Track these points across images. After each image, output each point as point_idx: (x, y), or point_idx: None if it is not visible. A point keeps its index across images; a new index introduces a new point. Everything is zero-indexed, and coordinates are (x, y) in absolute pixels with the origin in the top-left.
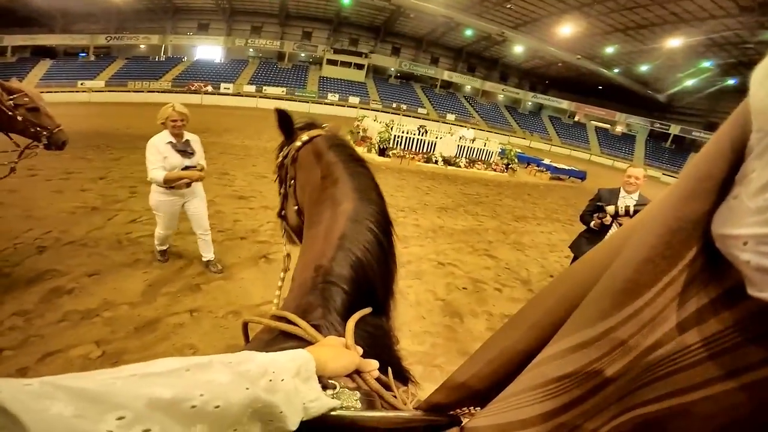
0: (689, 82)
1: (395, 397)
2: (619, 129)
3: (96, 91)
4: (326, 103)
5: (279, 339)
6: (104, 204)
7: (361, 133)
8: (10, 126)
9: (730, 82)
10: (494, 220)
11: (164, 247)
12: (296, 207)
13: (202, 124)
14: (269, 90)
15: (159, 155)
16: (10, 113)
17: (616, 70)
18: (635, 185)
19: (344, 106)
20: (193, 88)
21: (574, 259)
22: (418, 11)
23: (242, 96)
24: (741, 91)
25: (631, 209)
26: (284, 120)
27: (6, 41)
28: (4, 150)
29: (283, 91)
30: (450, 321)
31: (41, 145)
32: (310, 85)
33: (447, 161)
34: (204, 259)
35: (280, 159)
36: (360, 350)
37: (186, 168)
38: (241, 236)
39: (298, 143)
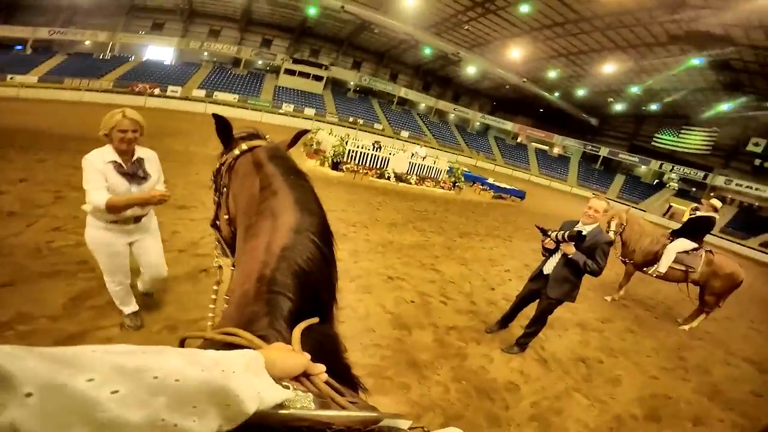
0: (618, 107)
1: (347, 400)
2: (556, 151)
3: (27, 87)
4: (280, 113)
5: (223, 348)
6: (23, 209)
7: (314, 146)
8: None
9: (653, 107)
10: (440, 236)
11: (130, 308)
12: (227, 216)
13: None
14: (220, 96)
15: (100, 175)
16: None
17: (556, 94)
18: (592, 217)
19: (299, 117)
20: (137, 89)
21: (533, 279)
22: (384, 27)
23: (190, 100)
24: (663, 116)
25: (562, 236)
26: (222, 126)
27: None
28: None
29: (235, 98)
30: (399, 333)
31: None
32: (265, 94)
33: (399, 177)
34: (140, 289)
35: (217, 166)
36: (307, 355)
37: None
38: (179, 248)
39: (237, 152)
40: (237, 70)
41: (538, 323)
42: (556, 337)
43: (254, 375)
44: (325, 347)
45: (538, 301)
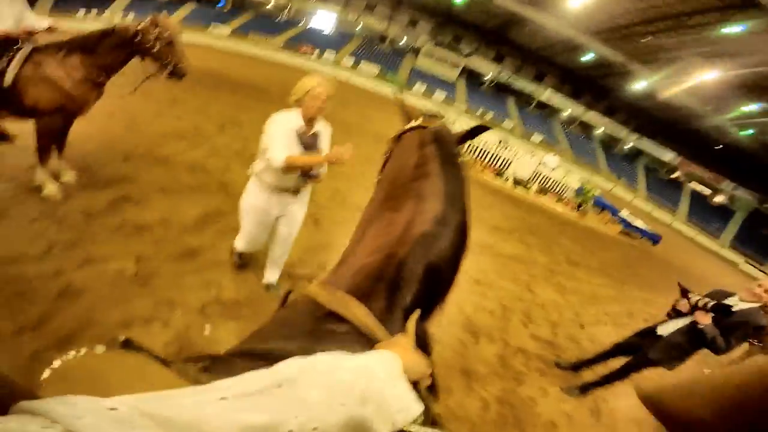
0: None
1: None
2: (719, 199)
3: (221, 38)
4: (411, 93)
5: (330, 319)
6: (194, 134)
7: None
8: (147, 52)
9: None
10: (546, 256)
11: (241, 253)
12: (378, 178)
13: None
14: (364, 67)
15: (285, 137)
16: (150, 44)
17: (748, 131)
18: (757, 296)
19: (427, 99)
20: (302, 51)
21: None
22: (539, 25)
23: (339, 68)
24: None
25: (710, 305)
26: (405, 109)
27: None
28: (132, 71)
29: (376, 71)
30: (465, 338)
31: (165, 74)
32: (403, 71)
33: (518, 182)
34: (264, 282)
35: (393, 138)
36: (428, 358)
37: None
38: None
39: (408, 126)
40: (382, 46)
41: (618, 377)
42: (624, 394)
43: (391, 386)
44: (420, 345)
45: (631, 357)
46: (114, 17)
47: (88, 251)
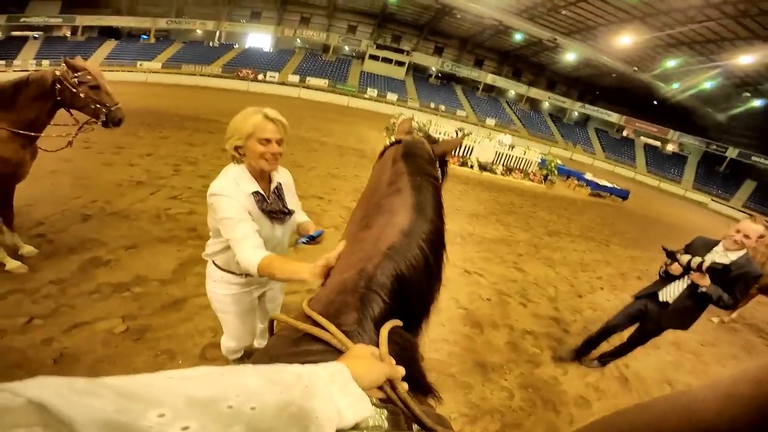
0: (756, 102)
1: (423, 412)
2: (671, 148)
3: (153, 72)
4: (365, 98)
5: (306, 339)
6: (149, 179)
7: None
8: (72, 102)
9: None
10: (526, 233)
11: (238, 356)
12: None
13: (243, 109)
14: (312, 81)
15: (245, 212)
16: (73, 90)
17: (675, 85)
18: (739, 244)
19: (382, 102)
20: (241, 75)
21: (636, 299)
22: (467, 12)
23: (286, 85)
24: None
25: (705, 265)
26: (401, 129)
27: (78, 21)
28: (64, 124)
29: (325, 83)
30: (470, 331)
31: (99, 122)
32: (351, 79)
33: (483, 167)
34: (256, 346)
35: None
36: (393, 360)
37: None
38: None
39: (387, 143)
40: (326, 56)
41: (635, 345)
42: (644, 355)
43: (339, 389)
44: (406, 352)
45: (639, 324)
46: (26, 66)
47: (70, 317)
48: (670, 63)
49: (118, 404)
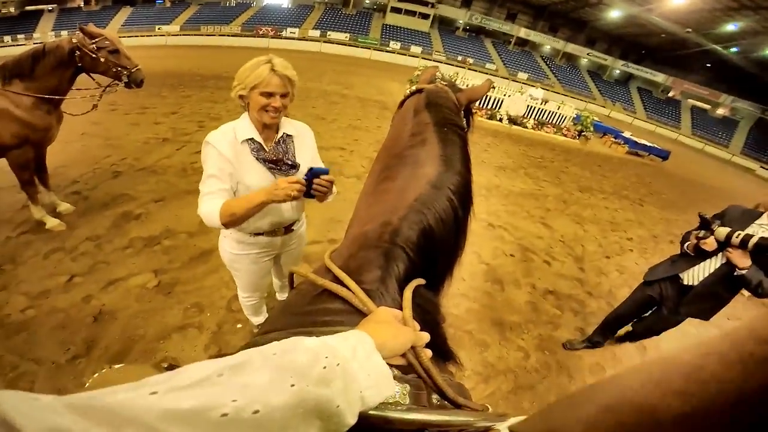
0: None
1: (444, 381)
2: (721, 111)
3: (172, 35)
4: (388, 51)
5: (325, 296)
6: (174, 136)
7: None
8: (93, 67)
9: None
10: (556, 188)
11: (260, 319)
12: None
13: None
14: (333, 35)
15: (222, 169)
16: (93, 56)
17: (733, 50)
18: None
19: (406, 54)
20: (260, 33)
21: (646, 285)
22: None
23: (307, 40)
24: None
25: (752, 242)
26: (425, 78)
27: None
28: (86, 88)
29: (346, 37)
30: (490, 287)
31: (122, 84)
32: (373, 32)
33: (513, 120)
34: (279, 299)
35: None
36: (417, 326)
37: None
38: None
39: (407, 92)
40: (346, 9)
41: (650, 335)
42: None
43: (361, 365)
44: (428, 316)
45: (655, 309)
46: (45, 38)
47: (106, 273)
48: (730, 26)
49: (82, 426)
